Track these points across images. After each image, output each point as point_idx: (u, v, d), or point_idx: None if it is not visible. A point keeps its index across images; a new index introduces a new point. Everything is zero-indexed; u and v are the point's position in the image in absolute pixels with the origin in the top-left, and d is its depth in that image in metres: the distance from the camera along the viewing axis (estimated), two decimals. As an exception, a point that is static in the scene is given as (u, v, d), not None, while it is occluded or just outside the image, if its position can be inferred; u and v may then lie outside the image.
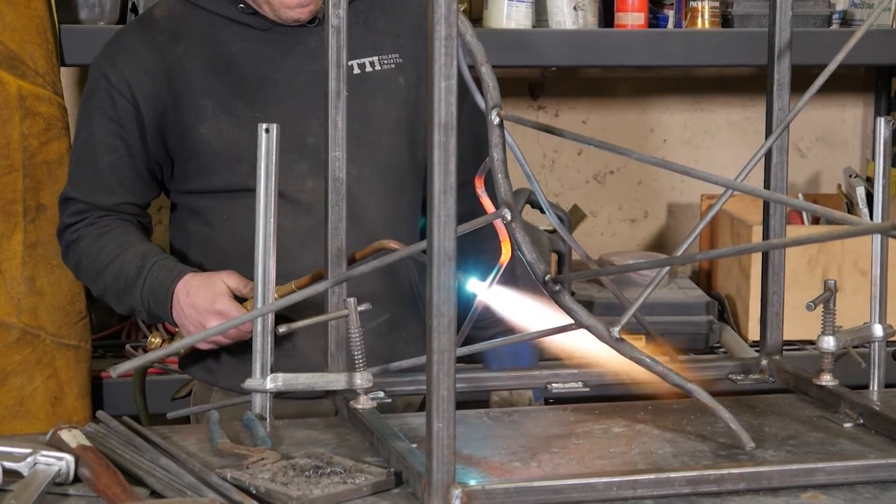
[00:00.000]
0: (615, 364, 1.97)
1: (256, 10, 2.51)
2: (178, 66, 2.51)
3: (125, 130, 2.52)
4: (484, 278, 2.12)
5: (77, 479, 1.80)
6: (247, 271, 2.27)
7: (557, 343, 2.04)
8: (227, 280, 2.40)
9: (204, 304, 2.39)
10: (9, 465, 1.79)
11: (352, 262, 2.19)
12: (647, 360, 1.90)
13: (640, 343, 1.99)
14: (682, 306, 3.59)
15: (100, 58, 2.56)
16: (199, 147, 2.50)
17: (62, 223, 2.59)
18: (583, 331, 1.91)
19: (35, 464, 1.79)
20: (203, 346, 2.47)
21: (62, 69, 3.29)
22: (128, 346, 3.52)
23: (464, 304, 1.90)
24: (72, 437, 1.85)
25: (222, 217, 2.52)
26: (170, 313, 2.45)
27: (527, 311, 2.11)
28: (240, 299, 2.40)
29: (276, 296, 2.11)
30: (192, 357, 2.57)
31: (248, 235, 2.11)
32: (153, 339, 2.60)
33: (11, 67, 3.15)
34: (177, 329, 2.53)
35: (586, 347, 2.01)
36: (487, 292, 2.11)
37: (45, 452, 1.80)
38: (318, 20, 2.50)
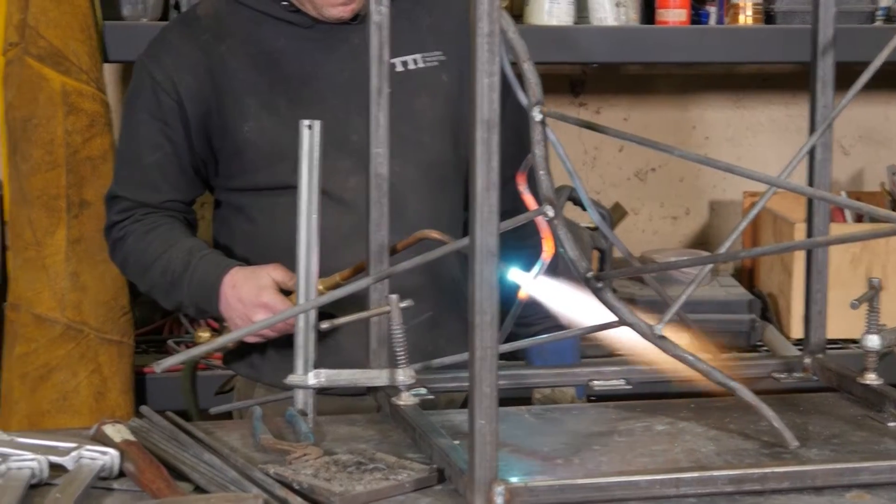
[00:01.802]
0: (661, 360, 1.96)
1: (299, 8, 2.52)
2: (222, 63, 2.52)
3: (170, 128, 2.54)
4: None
5: (121, 473, 1.81)
6: (291, 268, 2.28)
7: (605, 337, 2.04)
8: (273, 273, 2.41)
9: (250, 296, 2.41)
10: (54, 459, 1.80)
11: (393, 252, 2.20)
12: (690, 357, 1.90)
13: (682, 341, 1.99)
14: (725, 304, 3.58)
15: (144, 56, 2.57)
16: (243, 145, 2.51)
17: (108, 221, 2.61)
18: (625, 328, 1.90)
19: (80, 458, 1.80)
20: (250, 339, 2.48)
21: (105, 65, 3.31)
22: (170, 342, 3.53)
23: (506, 300, 1.90)
24: (116, 431, 1.87)
25: (266, 214, 2.53)
26: (217, 307, 2.46)
27: (571, 303, 2.11)
28: (285, 292, 2.41)
29: (320, 288, 2.11)
30: (236, 352, 2.58)
31: (291, 233, 2.12)
32: (201, 334, 2.61)
33: (55, 64, 3.17)
34: (221, 325, 2.54)
35: (632, 344, 2.00)
36: (530, 289, 2.11)
37: (89, 447, 1.81)
38: (360, 17, 2.51)
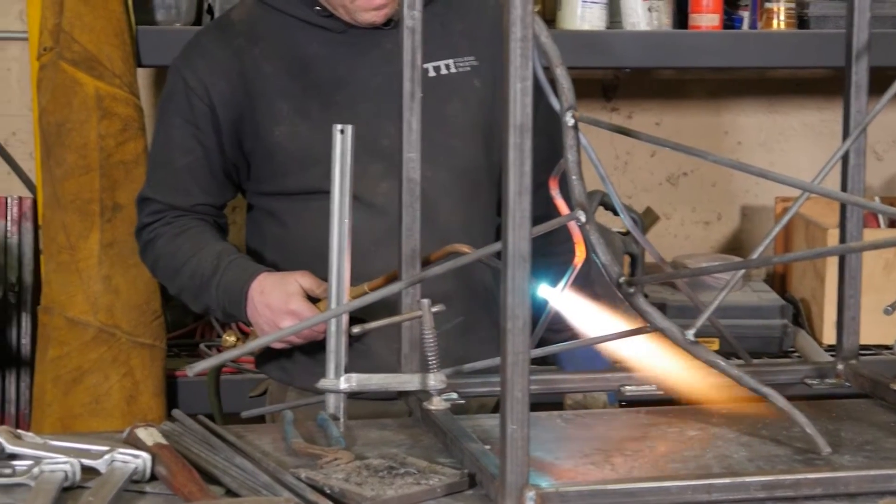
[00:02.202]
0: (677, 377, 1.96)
1: (332, 13, 2.52)
2: (255, 68, 2.53)
3: (201, 132, 2.55)
4: (558, 280, 2.12)
5: (153, 476, 1.81)
6: (321, 272, 2.28)
7: (625, 353, 2.04)
8: (301, 280, 2.41)
9: (278, 303, 2.41)
10: (87, 462, 1.80)
11: (425, 265, 2.20)
12: (722, 363, 1.89)
13: (713, 346, 1.98)
14: (757, 310, 3.57)
15: (178, 60, 2.58)
16: (275, 149, 2.52)
17: (140, 223, 2.62)
18: (655, 336, 1.90)
19: (112, 461, 1.81)
20: (276, 345, 2.48)
21: (139, 70, 3.32)
22: (202, 346, 3.54)
23: (538, 305, 1.90)
24: (148, 435, 1.87)
25: (297, 219, 2.53)
26: (244, 312, 2.46)
27: (598, 317, 2.11)
28: (313, 299, 2.41)
29: (349, 298, 2.12)
30: (268, 356, 2.59)
31: (322, 237, 2.12)
32: (228, 338, 2.62)
33: (89, 68, 3.18)
34: (251, 328, 2.54)
35: (652, 359, 2.00)
36: (561, 295, 2.11)
37: (122, 450, 1.82)
38: (393, 22, 2.51)
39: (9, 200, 3.68)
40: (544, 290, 2.12)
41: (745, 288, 3.68)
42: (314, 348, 2.43)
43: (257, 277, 2.45)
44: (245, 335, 2.58)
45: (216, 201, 2.62)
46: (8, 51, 3.76)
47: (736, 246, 4.12)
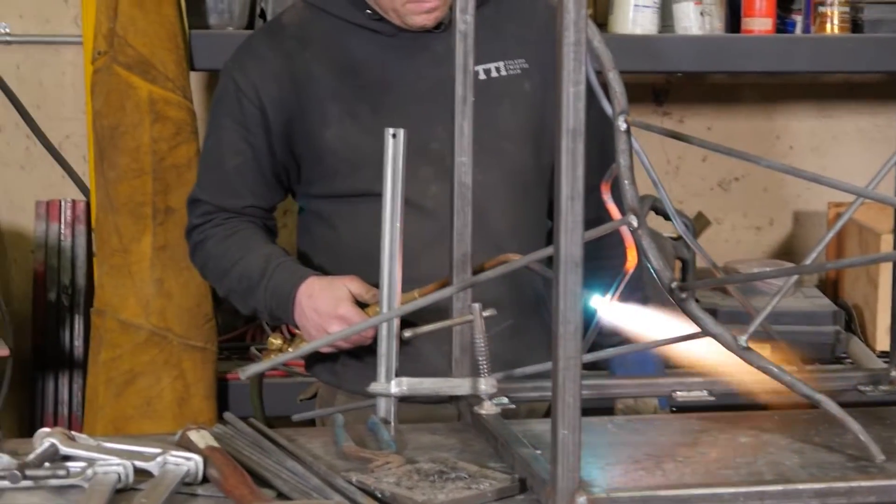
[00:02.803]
0: (740, 374, 1.95)
1: (383, 16, 2.53)
2: (305, 71, 2.53)
3: (252, 135, 2.56)
4: (609, 285, 2.11)
5: (205, 479, 1.82)
6: (370, 275, 2.29)
7: (683, 352, 2.02)
8: (350, 285, 2.42)
9: (326, 308, 2.41)
10: (139, 464, 1.81)
11: (478, 272, 2.20)
12: (775, 369, 1.88)
13: (765, 352, 1.97)
14: (809, 315, 3.55)
15: (229, 63, 2.60)
16: (325, 152, 2.53)
17: (190, 224, 2.63)
18: (709, 339, 1.89)
19: (165, 463, 1.82)
20: (324, 349, 2.49)
21: (192, 74, 3.34)
22: (252, 349, 3.55)
23: (589, 309, 1.89)
24: (200, 437, 1.88)
25: (346, 221, 2.54)
26: (292, 315, 2.47)
27: (650, 322, 2.10)
28: (361, 305, 2.42)
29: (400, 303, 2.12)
30: (317, 359, 2.59)
31: (371, 240, 2.12)
32: (273, 340, 2.63)
33: (143, 72, 3.20)
34: (298, 330, 2.55)
35: (712, 357, 1.99)
36: (612, 301, 2.10)
37: (174, 452, 1.83)
38: (443, 25, 2.51)
39: (62, 203, 3.70)
40: (597, 300, 2.11)
41: (798, 293, 3.66)
42: (363, 352, 2.44)
43: (305, 281, 2.46)
44: (292, 337, 2.59)
45: (266, 203, 2.63)
46: (63, 55, 3.78)
47: (788, 251, 4.09)
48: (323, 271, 2.51)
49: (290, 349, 2.53)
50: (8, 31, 3.74)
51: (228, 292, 2.58)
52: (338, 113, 2.52)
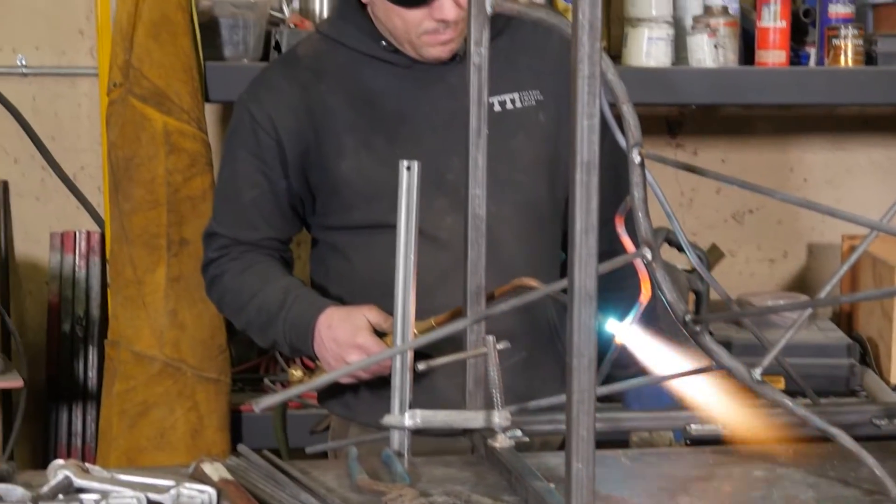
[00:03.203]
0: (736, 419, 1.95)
1: (398, 48, 2.53)
2: (321, 102, 2.54)
3: (268, 167, 2.56)
4: (623, 317, 2.11)
5: (218, 511, 1.82)
6: (386, 307, 2.29)
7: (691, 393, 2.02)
8: (368, 314, 2.42)
9: (345, 337, 2.42)
10: (153, 496, 1.81)
11: (490, 299, 2.19)
12: (789, 403, 1.88)
13: (779, 385, 1.97)
14: (823, 348, 3.54)
15: (245, 95, 2.60)
16: (340, 183, 2.53)
17: (206, 258, 2.63)
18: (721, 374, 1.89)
19: (179, 496, 1.81)
20: (343, 379, 2.49)
21: (206, 105, 3.35)
22: (266, 380, 3.55)
23: (603, 342, 1.89)
24: (214, 470, 1.88)
25: (361, 253, 2.54)
26: (311, 346, 2.47)
27: (665, 354, 2.09)
28: (380, 334, 2.42)
29: (415, 332, 2.12)
30: (331, 391, 2.59)
31: (387, 272, 2.13)
32: (294, 373, 2.63)
33: (157, 104, 3.21)
34: (316, 363, 2.55)
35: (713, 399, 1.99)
36: (627, 332, 2.10)
37: (188, 485, 1.83)
38: (458, 57, 2.52)
39: (77, 234, 3.72)
40: (611, 326, 2.11)
41: (812, 326, 3.65)
42: (377, 384, 2.43)
43: (324, 312, 2.46)
44: (311, 370, 2.59)
45: (282, 235, 2.63)
46: (78, 87, 3.80)
47: (802, 284, 4.09)
48: (339, 303, 2.51)
49: (309, 381, 2.54)
50: (24, 63, 3.76)
51: (247, 325, 2.58)
52: (353, 144, 2.52)
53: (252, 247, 2.60)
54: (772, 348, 1.92)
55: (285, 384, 3.45)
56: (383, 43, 2.55)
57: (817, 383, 3.35)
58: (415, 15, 2.46)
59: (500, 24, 2.55)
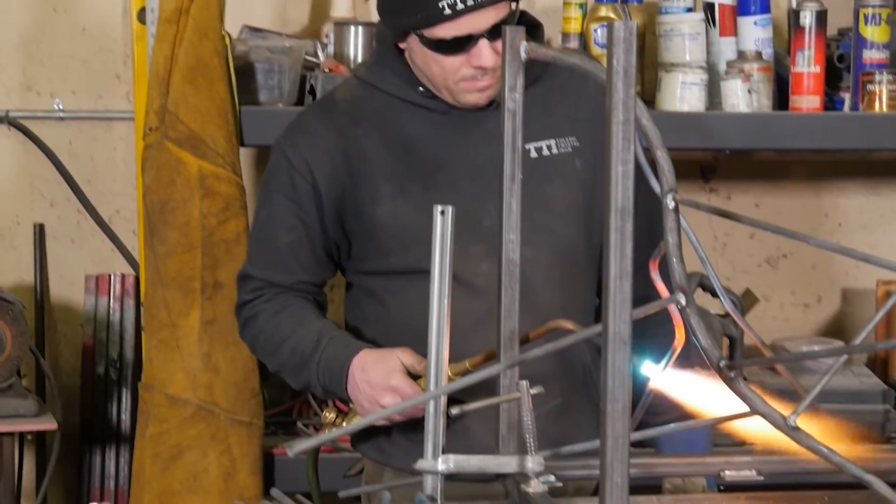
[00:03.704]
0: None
1: (435, 94, 2.54)
2: (357, 147, 2.55)
3: (303, 211, 2.57)
4: (657, 362, 2.10)
5: (251, 555, 1.82)
6: (421, 352, 2.29)
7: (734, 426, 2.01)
8: (402, 356, 2.42)
9: (378, 379, 2.42)
10: (186, 539, 1.81)
11: (525, 342, 2.19)
12: (825, 450, 1.87)
13: (815, 431, 1.95)
14: (858, 394, 3.52)
15: (282, 139, 2.62)
16: (376, 228, 2.54)
17: (240, 300, 2.64)
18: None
19: (211, 539, 1.82)
20: (377, 422, 2.48)
21: (241, 149, 3.37)
22: (299, 424, 3.55)
23: (638, 388, 1.89)
24: (247, 513, 1.88)
25: (397, 298, 2.54)
26: (344, 388, 2.47)
27: (701, 396, 2.09)
28: (414, 376, 2.42)
29: (449, 374, 2.11)
30: (364, 435, 2.59)
31: (422, 317, 2.12)
32: (327, 414, 2.63)
33: (193, 148, 3.23)
34: (349, 405, 2.55)
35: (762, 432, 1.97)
36: (661, 378, 2.09)
37: (221, 528, 1.83)
38: (495, 103, 2.53)
39: (112, 277, 3.74)
40: (646, 369, 2.10)
41: (847, 372, 3.63)
42: (410, 428, 2.43)
43: (358, 353, 2.46)
44: (343, 413, 2.59)
45: (317, 279, 2.63)
46: (114, 131, 3.83)
47: (836, 329, 4.07)
48: (372, 345, 2.51)
49: (343, 423, 2.54)
50: (61, 107, 3.79)
51: (280, 367, 2.59)
52: (389, 190, 2.53)
53: (286, 290, 2.60)
54: (807, 394, 1.91)
55: (318, 427, 3.45)
56: (420, 88, 2.56)
57: (853, 429, 3.33)
58: (452, 61, 2.47)
59: (538, 71, 2.55)
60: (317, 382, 2.52)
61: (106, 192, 3.83)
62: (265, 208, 2.63)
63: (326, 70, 3.46)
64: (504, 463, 2.07)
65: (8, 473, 3.38)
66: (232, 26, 3.42)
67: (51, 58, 3.79)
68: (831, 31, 3.67)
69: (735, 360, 1.95)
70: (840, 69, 3.68)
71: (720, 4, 3.58)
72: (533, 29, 2.61)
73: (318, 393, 2.63)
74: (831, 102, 3.65)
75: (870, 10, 3.57)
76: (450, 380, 2.10)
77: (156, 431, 3.27)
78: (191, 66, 3.22)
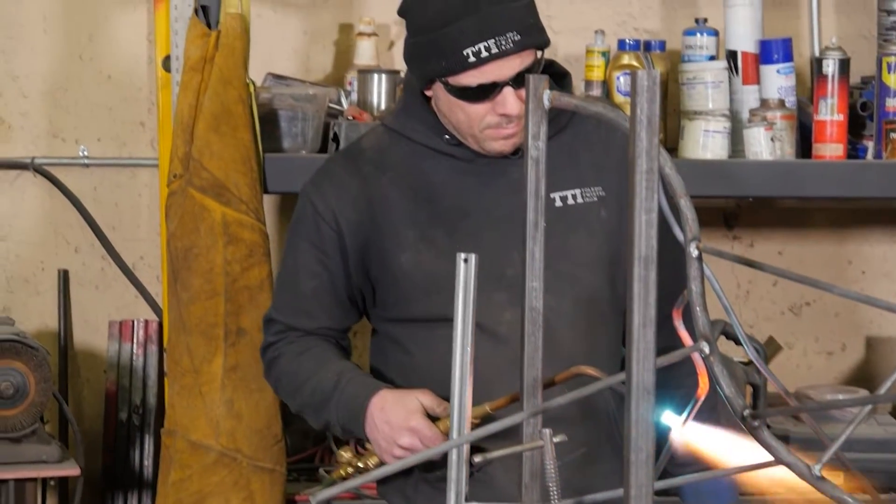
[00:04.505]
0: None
1: (461, 142, 2.55)
2: (382, 195, 2.56)
3: (328, 257, 2.58)
4: (681, 411, 2.10)
5: None
6: (445, 399, 2.29)
7: (759, 478, 2.00)
8: (422, 398, 2.43)
9: (397, 420, 2.42)
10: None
11: (549, 385, 2.19)
12: (850, 499, 1.86)
13: (838, 480, 1.95)
14: (883, 443, 3.50)
15: (308, 186, 2.64)
16: (400, 275, 2.54)
17: (265, 341, 2.67)
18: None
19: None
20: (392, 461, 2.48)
21: (265, 196, 3.38)
22: (321, 471, 3.54)
23: (661, 437, 1.88)
24: (270, 561, 1.87)
25: (421, 346, 2.55)
26: (363, 428, 2.48)
27: (724, 447, 2.08)
28: (433, 418, 2.42)
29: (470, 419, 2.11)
30: (388, 479, 2.58)
31: (446, 365, 2.12)
32: (343, 454, 2.63)
33: (217, 195, 3.24)
34: (367, 446, 2.55)
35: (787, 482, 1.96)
36: (684, 428, 2.09)
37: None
38: (521, 152, 2.53)
39: (135, 323, 3.74)
40: (668, 420, 2.10)
41: (871, 421, 3.62)
42: (436, 475, 2.43)
43: (378, 394, 2.47)
44: (361, 452, 2.59)
45: (339, 325, 2.64)
46: (139, 177, 3.84)
47: (861, 377, 4.05)
48: (392, 386, 2.52)
49: (359, 463, 2.54)
50: (86, 154, 3.81)
51: (302, 407, 2.60)
52: (413, 237, 2.54)
53: (308, 333, 2.62)
54: (832, 444, 1.90)
55: (336, 462, 3.44)
56: (446, 137, 2.57)
57: (878, 479, 3.31)
58: (478, 109, 2.48)
59: (564, 121, 2.56)
60: (336, 422, 2.53)
61: (130, 238, 3.84)
62: (291, 254, 2.65)
63: (350, 118, 3.47)
64: (529, 511, 2.06)
65: (30, 519, 3.38)
66: (256, 74, 3.44)
67: (76, 105, 3.81)
68: (854, 79, 3.67)
69: (759, 410, 1.94)
70: (863, 117, 3.68)
71: (743, 53, 3.59)
72: (560, 78, 2.62)
73: (336, 433, 2.63)
74: (854, 150, 3.64)
75: (893, 59, 3.57)
76: (471, 423, 2.10)
77: (178, 478, 3.27)
78: (215, 114, 3.23)
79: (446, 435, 2.43)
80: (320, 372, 2.56)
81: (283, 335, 2.63)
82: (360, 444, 2.61)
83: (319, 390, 2.54)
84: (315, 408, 2.56)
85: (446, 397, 2.17)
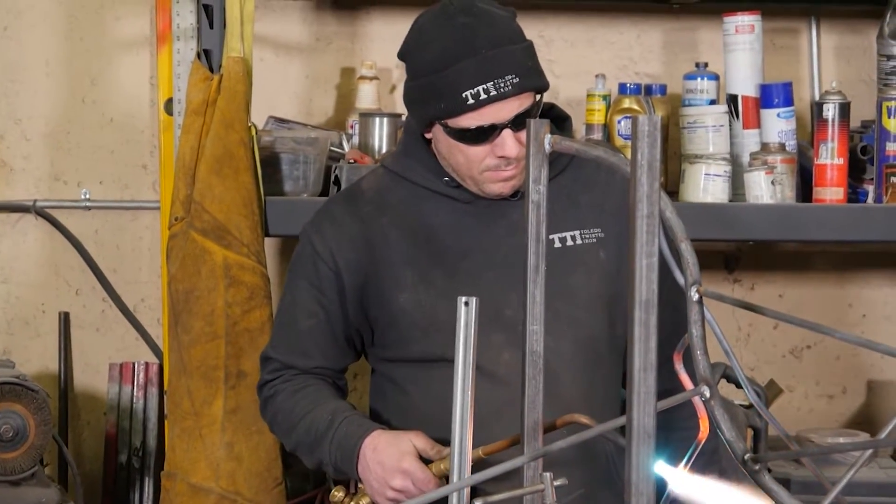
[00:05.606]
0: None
1: (460, 184, 2.56)
2: (381, 236, 2.57)
3: (326, 297, 2.59)
4: (681, 455, 2.09)
5: None
6: (444, 441, 2.28)
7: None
8: (415, 440, 2.43)
9: (390, 461, 2.42)
10: None
11: (549, 430, 2.19)
12: (851, 544, 1.85)
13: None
14: (884, 487, 3.49)
15: (308, 226, 2.65)
16: (398, 316, 2.55)
17: (262, 379, 2.68)
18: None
19: None
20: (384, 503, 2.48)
21: (266, 239, 3.38)
22: (319, 512, 3.54)
23: (662, 480, 1.88)
24: None
25: (419, 387, 2.55)
26: (355, 468, 2.48)
27: (724, 496, 2.07)
28: (426, 460, 2.42)
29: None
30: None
31: (445, 406, 2.12)
32: (336, 493, 2.62)
33: (218, 238, 3.24)
34: (359, 486, 2.54)
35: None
36: (683, 475, 2.08)
37: None
38: (520, 194, 2.54)
39: (136, 366, 3.74)
40: (666, 469, 2.09)
41: (872, 464, 3.61)
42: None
43: (371, 434, 2.47)
44: (355, 491, 2.58)
45: (335, 365, 2.65)
46: (140, 220, 3.85)
47: (862, 420, 4.04)
48: (386, 427, 2.52)
49: (351, 503, 2.54)
50: (88, 196, 3.82)
51: (296, 445, 2.61)
52: (412, 278, 2.55)
53: (304, 372, 2.63)
54: (833, 487, 1.89)
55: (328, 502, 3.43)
56: (446, 178, 2.58)
57: (879, 523, 3.31)
58: (477, 151, 2.49)
59: (564, 162, 2.57)
60: (329, 461, 2.53)
61: (131, 280, 3.84)
62: (289, 293, 2.66)
63: (351, 161, 3.48)
64: (528, 555, 2.06)
65: (30, 563, 3.37)
66: (258, 117, 3.45)
67: (79, 148, 3.82)
68: (854, 123, 3.68)
69: (760, 453, 1.94)
70: (863, 161, 3.69)
71: (743, 97, 3.60)
72: (561, 121, 2.63)
73: (329, 472, 2.64)
74: (855, 194, 3.65)
75: (893, 103, 3.58)
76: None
77: (178, 520, 3.26)
78: (217, 157, 3.24)
79: (439, 478, 2.43)
80: (315, 411, 2.56)
81: (280, 373, 2.64)
82: (356, 483, 2.61)
83: (314, 429, 2.55)
84: (309, 446, 2.56)
85: (444, 437, 2.17)
